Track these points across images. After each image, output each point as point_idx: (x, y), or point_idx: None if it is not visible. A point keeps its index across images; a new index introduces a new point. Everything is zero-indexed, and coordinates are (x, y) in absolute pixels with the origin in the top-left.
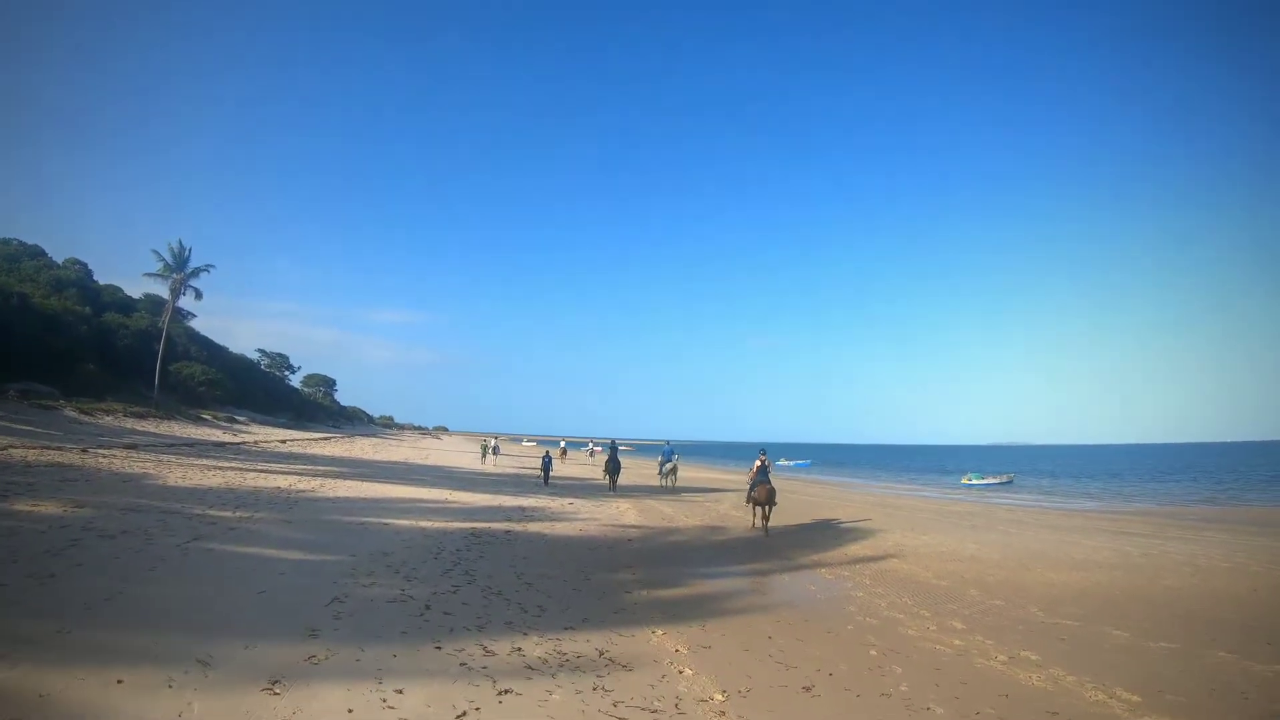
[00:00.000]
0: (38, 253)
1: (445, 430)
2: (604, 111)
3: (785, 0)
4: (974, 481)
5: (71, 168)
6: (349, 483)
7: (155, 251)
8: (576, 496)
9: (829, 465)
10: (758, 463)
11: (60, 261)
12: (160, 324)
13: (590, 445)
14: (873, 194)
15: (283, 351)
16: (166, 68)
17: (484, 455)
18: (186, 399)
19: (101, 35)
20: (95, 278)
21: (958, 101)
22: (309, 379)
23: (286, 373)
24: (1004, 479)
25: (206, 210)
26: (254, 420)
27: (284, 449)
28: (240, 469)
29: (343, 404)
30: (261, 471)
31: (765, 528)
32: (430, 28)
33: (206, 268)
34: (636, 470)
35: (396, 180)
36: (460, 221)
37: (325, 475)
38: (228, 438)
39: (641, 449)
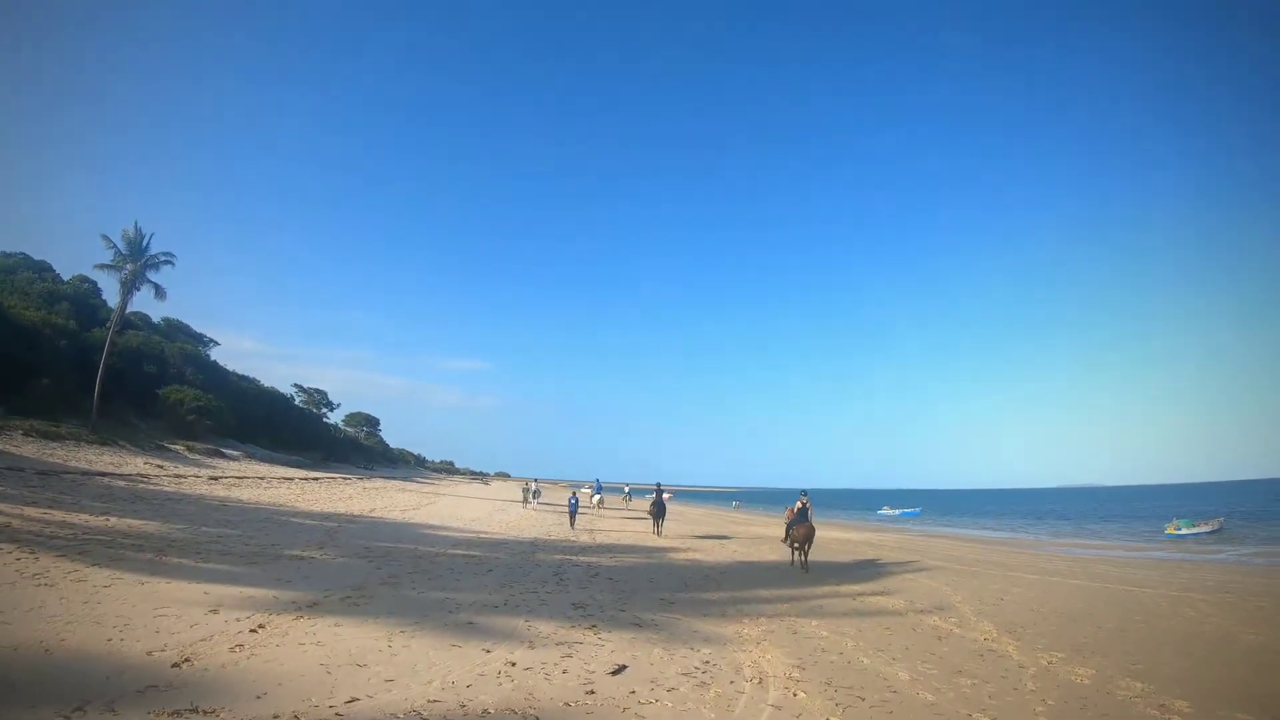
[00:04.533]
0: (43, 268)
1: (506, 476)
2: (670, 172)
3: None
4: (1183, 530)
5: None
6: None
7: (105, 237)
8: (634, 626)
9: (941, 515)
10: (799, 504)
11: (67, 278)
12: (107, 328)
13: (589, 487)
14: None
15: (359, 397)
16: (248, 119)
17: (525, 499)
18: (176, 427)
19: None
20: (103, 296)
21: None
22: (351, 418)
23: (325, 410)
24: (1213, 525)
25: (282, 263)
26: (253, 455)
27: (173, 488)
28: None
29: (391, 445)
30: None
31: (805, 564)
32: (510, 84)
33: (167, 257)
34: (716, 523)
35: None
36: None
37: (76, 556)
38: (150, 470)
39: (695, 495)
